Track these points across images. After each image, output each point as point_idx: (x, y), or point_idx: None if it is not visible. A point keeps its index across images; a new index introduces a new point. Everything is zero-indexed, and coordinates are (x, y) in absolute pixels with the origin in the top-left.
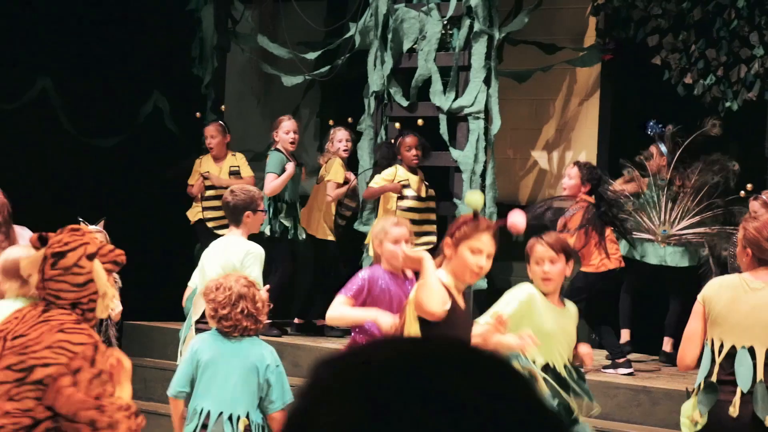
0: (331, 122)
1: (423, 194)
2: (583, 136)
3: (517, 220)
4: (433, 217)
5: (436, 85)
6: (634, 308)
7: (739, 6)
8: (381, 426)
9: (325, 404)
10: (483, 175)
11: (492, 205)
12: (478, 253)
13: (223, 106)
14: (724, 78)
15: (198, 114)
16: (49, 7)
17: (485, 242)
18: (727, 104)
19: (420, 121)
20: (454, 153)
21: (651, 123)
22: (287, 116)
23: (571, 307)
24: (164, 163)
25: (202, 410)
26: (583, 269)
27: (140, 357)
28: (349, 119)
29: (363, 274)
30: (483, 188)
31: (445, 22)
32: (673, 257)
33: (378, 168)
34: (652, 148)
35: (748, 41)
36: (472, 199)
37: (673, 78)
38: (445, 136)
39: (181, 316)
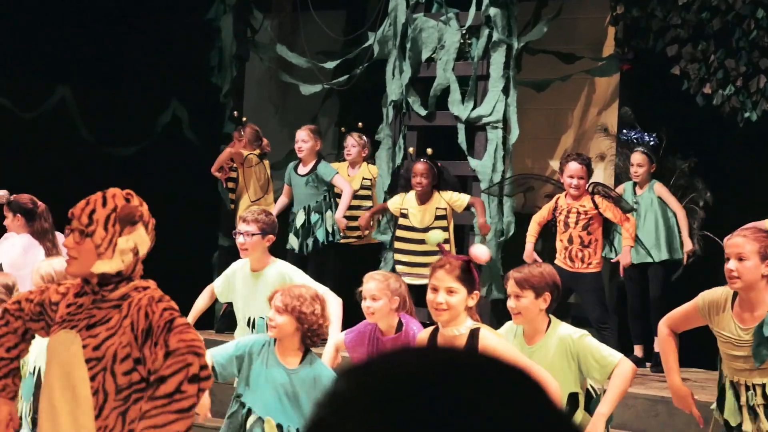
0: (342, 129)
1: (421, 225)
2: (601, 146)
3: (479, 252)
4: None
5: (455, 94)
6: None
7: (758, 16)
8: None
9: (347, 416)
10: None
11: (510, 215)
12: (434, 291)
13: (243, 119)
14: (743, 88)
15: (244, 118)
16: (68, 16)
17: (439, 278)
18: (746, 115)
19: (429, 150)
20: (473, 162)
21: (632, 132)
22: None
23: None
24: (183, 172)
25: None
26: (599, 269)
27: None
28: (360, 124)
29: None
30: (501, 198)
31: (464, 32)
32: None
33: (400, 190)
34: (638, 157)
35: (767, 51)
36: (431, 237)
37: (692, 88)
38: (464, 146)
39: (198, 325)
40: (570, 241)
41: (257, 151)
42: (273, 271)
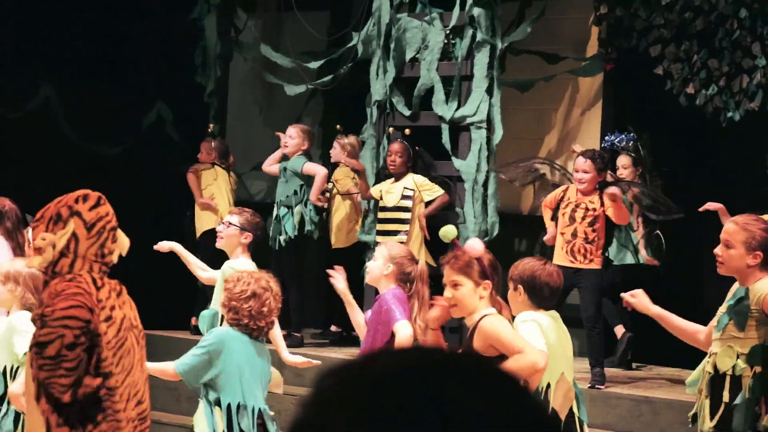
0: (338, 127)
1: (389, 204)
2: (585, 146)
3: (472, 244)
4: (402, 227)
5: (439, 94)
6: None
7: (741, 16)
8: None
9: (331, 414)
10: (485, 185)
11: (494, 215)
12: (444, 287)
13: (211, 125)
14: (725, 88)
15: (211, 126)
16: (53, 15)
17: (444, 274)
18: (729, 114)
19: (407, 131)
20: (456, 162)
21: (612, 136)
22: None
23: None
24: (167, 172)
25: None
26: (599, 266)
27: None
28: (338, 126)
29: None
30: (485, 198)
31: (448, 32)
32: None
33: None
34: (625, 159)
35: (750, 51)
36: (445, 232)
37: (675, 88)
38: (448, 146)
39: (182, 325)
40: (574, 235)
41: (219, 163)
42: (226, 267)
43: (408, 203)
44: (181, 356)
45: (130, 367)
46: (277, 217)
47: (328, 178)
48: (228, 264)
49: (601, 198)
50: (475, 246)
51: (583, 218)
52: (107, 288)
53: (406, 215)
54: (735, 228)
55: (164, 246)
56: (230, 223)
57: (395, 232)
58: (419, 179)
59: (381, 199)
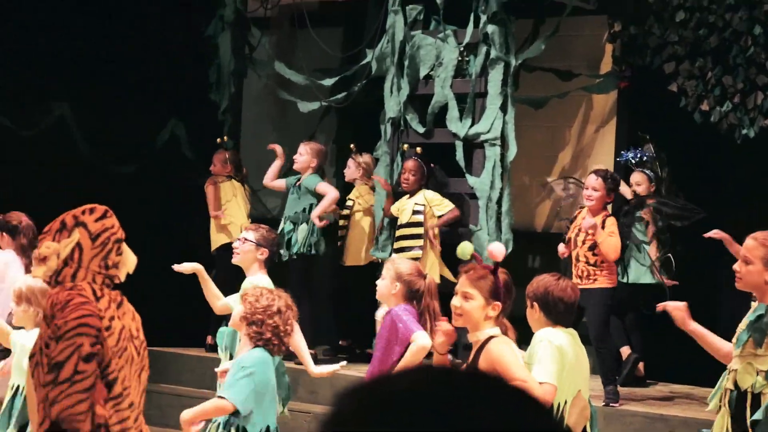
0: (352, 146)
1: (401, 220)
2: (599, 163)
3: (495, 249)
4: (416, 242)
5: (453, 111)
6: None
7: (755, 33)
8: None
9: None
10: (499, 202)
11: (508, 232)
12: (455, 295)
13: (224, 137)
14: (740, 105)
15: (221, 139)
16: (68, 34)
17: (459, 282)
18: (744, 131)
19: (419, 149)
20: (471, 180)
21: (628, 153)
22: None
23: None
24: (181, 190)
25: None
26: (607, 285)
27: (156, 383)
28: (352, 146)
29: None
30: (499, 215)
31: (462, 49)
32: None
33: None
34: (638, 176)
35: (765, 68)
36: (462, 249)
37: (690, 105)
38: (462, 163)
39: (196, 342)
40: (577, 259)
41: (234, 176)
42: (246, 284)
43: (419, 218)
44: (193, 375)
45: (127, 377)
46: (281, 232)
47: (346, 194)
48: (249, 281)
49: (603, 221)
50: (497, 249)
51: (584, 242)
52: (106, 298)
53: (419, 230)
54: (754, 244)
55: (186, 267)
56: (246, 239)
57: (409, 248)
58: (430, 195)
59: (397, 216)
